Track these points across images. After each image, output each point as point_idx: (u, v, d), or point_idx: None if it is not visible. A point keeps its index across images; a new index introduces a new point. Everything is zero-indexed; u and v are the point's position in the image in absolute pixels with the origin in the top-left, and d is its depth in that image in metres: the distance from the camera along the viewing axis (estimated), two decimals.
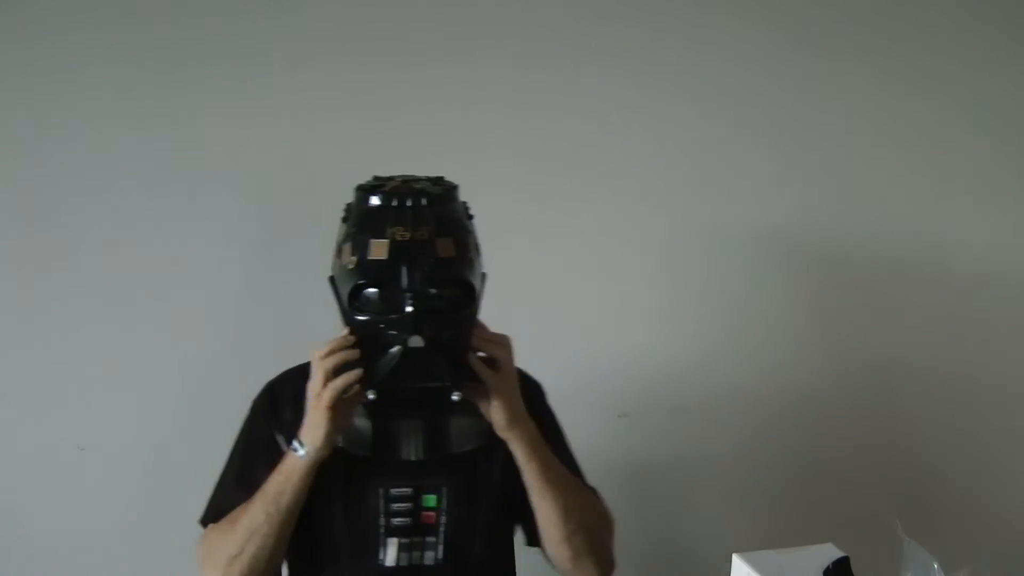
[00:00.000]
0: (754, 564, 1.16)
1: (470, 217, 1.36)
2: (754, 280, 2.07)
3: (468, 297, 1.31)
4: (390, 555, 1.37)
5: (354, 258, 1.27)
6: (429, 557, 1.39)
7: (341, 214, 1.34)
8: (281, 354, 1.92)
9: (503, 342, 1.34)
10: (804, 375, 2.13)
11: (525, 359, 1.98)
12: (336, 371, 1.27)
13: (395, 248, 1.25)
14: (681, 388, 2.08)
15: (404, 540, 1.38)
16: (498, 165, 1.92)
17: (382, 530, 1.38)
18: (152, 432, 1.89)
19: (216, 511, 1.42)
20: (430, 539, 1.39)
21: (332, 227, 1.36)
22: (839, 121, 2.07)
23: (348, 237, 1.30)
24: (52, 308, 1.83)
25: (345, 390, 1.27)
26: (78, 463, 1.88)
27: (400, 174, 1.35)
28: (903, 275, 2.16)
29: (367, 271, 1.26)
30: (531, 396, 1.44)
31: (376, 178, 1.35)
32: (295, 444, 1.31)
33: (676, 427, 2.09)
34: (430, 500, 1.39)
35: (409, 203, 1.26)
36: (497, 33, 1.90)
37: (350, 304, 1.29)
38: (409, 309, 1.23)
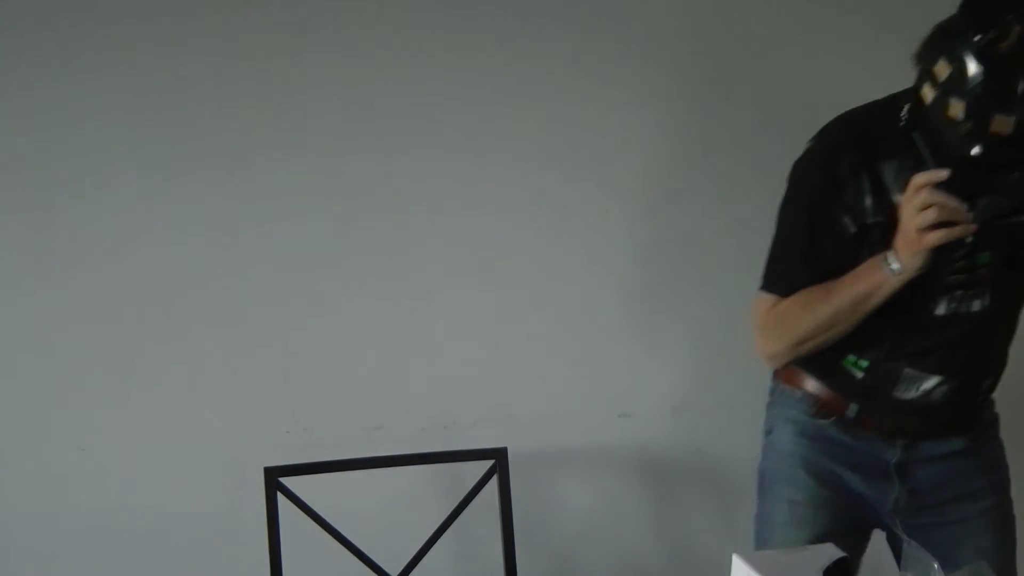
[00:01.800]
0: (754, 564, 1.15)
1: None
2: (756, 280, 2.06)
3: None
4: (941, 306, 1.41)
5: (968, 123, 1.23)
6: (976, 304, 1.41)
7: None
8: (279, 353, 1.93)
9: None
10: None
11: (526, 357, 2.00)
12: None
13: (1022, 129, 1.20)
14: (681, 388, 2.08)
15: (958, 292, 1.40)
16: (499, 163, 1.92)
17: (941, 287, 1.39)
18: (152, 432, 1.89)
19: (787, 286, 1.48)
20: (980, 288, 1.41)
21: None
22: None
23: (956, 87, 1.23)
24: (53, 308, 1.83)
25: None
26: (78, 463, 1.88)
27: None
28: None
29: (987, 143, 1.23)
30: None
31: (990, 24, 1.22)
32: (890, 259, 1.33)
33: (676, 427, 2.09)
34: (984, 257, 1.39)
35: None
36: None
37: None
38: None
